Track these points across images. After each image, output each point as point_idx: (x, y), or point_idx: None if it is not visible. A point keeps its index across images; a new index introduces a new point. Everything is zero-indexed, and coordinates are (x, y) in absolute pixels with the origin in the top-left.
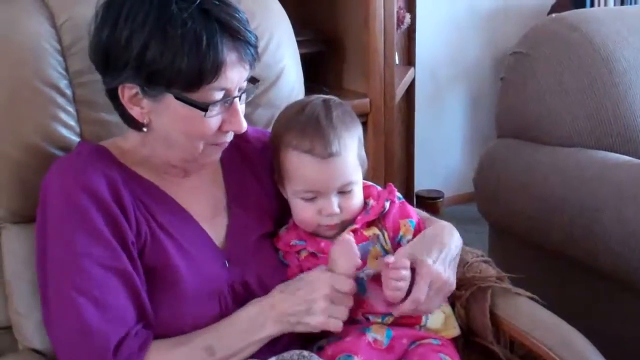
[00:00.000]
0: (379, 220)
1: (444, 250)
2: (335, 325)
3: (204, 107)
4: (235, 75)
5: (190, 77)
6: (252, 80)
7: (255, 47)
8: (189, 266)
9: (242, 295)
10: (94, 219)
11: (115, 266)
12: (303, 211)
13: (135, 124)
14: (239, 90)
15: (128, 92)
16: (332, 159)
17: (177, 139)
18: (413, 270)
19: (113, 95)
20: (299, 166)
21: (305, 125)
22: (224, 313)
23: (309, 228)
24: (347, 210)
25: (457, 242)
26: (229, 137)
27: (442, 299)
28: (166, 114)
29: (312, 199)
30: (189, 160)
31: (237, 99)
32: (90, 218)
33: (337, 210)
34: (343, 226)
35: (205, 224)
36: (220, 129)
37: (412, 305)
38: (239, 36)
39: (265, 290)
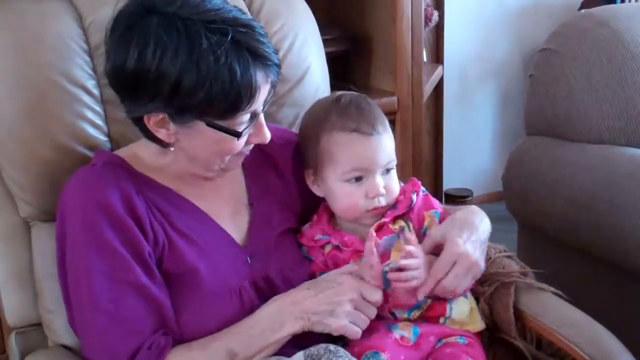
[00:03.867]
0: (405, 213)
1: (475, 233)
2: (354, 332)
3: (236, 134)
4: (263, 96)
5: (225, 108)
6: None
7: (280, 65)
8: (209, 267)
9: (265, 291)
10: (106, 234)
11: (128, 279)
12: (349, 197)
13: (160, 142)
14: (263, 104)
15: (154, 118)
16: (377, 136)
17: (205, 157)
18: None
19: (137, 119)
20: (346, 145)
21: (346, 109)
22: (248, 310)
23: (353, 216)
24: (390, 193)
25: (486, 226)
26: (252, 145)
27: (471, 281)
28: (196, 137)
29: (358, 182)
30: (212, 171)
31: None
32: (102, 233)
33: (383, 190)
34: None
35: (226, 223)
36: (246, 142)
37: (432, 282)
38: (268, 62)
39: (289, 284)
